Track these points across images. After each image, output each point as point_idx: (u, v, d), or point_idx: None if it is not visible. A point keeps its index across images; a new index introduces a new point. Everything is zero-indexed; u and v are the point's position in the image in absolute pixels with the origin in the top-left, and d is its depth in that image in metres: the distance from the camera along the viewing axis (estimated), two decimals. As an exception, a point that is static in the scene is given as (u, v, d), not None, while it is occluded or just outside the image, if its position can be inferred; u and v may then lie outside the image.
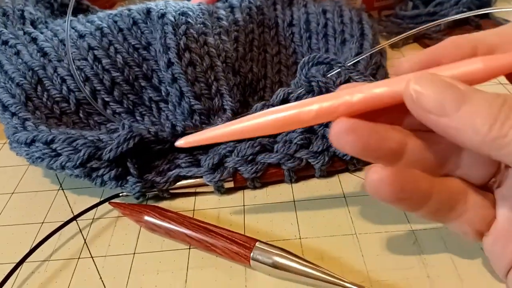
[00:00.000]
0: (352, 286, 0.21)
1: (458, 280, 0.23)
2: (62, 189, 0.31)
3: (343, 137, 0.18)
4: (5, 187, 0.32)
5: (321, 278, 0.22)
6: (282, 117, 0.18)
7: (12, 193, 0.31)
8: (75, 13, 0.40)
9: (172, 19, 0.32)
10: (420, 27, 0.34)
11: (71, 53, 0.33)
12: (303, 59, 0.30)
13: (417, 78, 0.17)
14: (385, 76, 0.33)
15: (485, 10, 0.34)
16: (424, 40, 0.47)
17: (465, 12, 0.47)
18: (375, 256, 0.24)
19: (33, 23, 0.37)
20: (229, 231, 0.25)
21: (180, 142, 0.20)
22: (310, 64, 0.31)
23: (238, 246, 0.24)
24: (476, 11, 0.32)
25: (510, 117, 0.15)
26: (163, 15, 0.33)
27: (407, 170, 0.19)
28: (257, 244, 0.24)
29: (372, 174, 0.18)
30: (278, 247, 0.24)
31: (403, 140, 0.19)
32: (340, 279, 0.22)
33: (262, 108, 0.30)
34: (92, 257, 0.26)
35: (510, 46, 0.19)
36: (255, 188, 0.30)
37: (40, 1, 0.40)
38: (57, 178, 0.32)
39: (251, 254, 0.23)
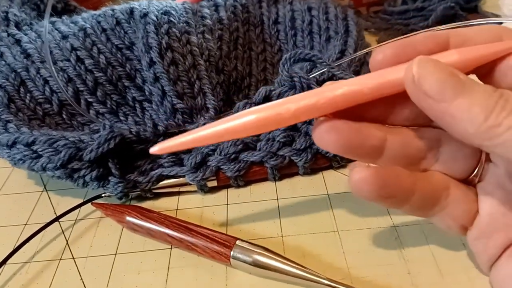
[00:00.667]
0: (331, 283, 0.21)
1: (439, 276, 0.22)
2: (46, 191, 0.31)
3: (325, 135, 0.18)
4: (-11, 189, 0.32)
5: (300, 276, 0.22)
6: (261, 117, 0.18)
7: (-4, 195, 0.31)
8: (62, 14, 0.40)
9: (155, 18, 0.32)
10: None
11: (54, 54, 0.33)
12: (285, 55, 0.30)
13: (421, 61, 0.17)
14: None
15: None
16: (412, 36, 0.47)
17: (453, 7, 0.47)
18: (356, 252, 0.24)
19: (17, 25, 0.37)
20: (210, 230, 0.25)
21: (154, 149, 0.19)
22: (292, 60, 0.31)
23: (218, 245, 0.24)
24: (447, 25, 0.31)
25: (505, 109, 0.16)
26: (145, 15, 0.32)
27: (389, 168, 0.19)
28: (238, 242, 0.24)
29: (355, 174, 0.18)
30: (258, 246, 0.23)
31: (383, 136, 0.19)
32: (319, 276, 0.22)
33: (244, 107, 0.30)
34: (73, 258, 0.26)
35: (482, 38, 0.18)
36: (238, 186, 0.30)
37: (26, 3, 0.40)
38: (41, 179, 0.32)
39: (231, 252, 0.23)
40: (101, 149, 0.27)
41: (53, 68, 0.30)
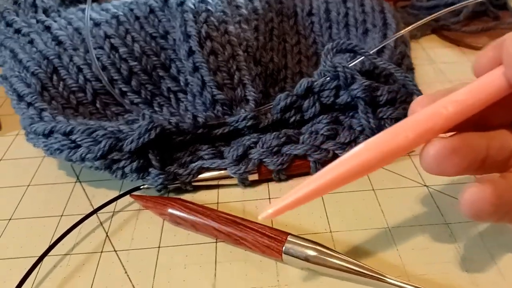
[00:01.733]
0: (393, 281, 0.21)
1: (499, 276, 0.22)
2: (80, 182, 0.30)
3: (445, 161, 0.17)
4: (20, 179, 0.31)
5: (358, 272, 0.21)
6: (381, 151, 0.17)
7: (28, 185, 0.30)
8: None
9: (192, 6, 0.31)
10: (438, 13, 0.34)
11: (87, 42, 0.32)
12: (327, 46, 0.29)
13: None
14: (411, 65, 0.33)
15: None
16: (442, 31, 0.46)
17: (484, 3, 0.46)
18: (410, 250, 0.23)
19: (45, 12, 0.36)
20: (258, 224, 0.24)
21: (268, 212, 0.18)
22: (334, 50, 0.30)
23: (270, 240, 0.23)
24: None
25: None
26: (182, 2, 0.32)
27: (501, 181, 0.18)
28: (289, 237, 0.23)
29: (471, 195, 0.17)
30: (310, 241, 0.23)
31: (487, 144, 0.18)
32: (378, 274, 0.21)
33: (286, 99, 0.29)
34: (115, 251, 0.25)
35: None
36: (280, 180, 0.29)
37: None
38: (73, 170, 0.31)
39: (283, 247, 0.23)
40: (142, 140, 0.26)
41: (94, 55, 0.29)
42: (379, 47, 0.30)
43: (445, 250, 0.23)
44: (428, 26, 0.47)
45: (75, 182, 0.30)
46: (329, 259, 0.22)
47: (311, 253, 0.22)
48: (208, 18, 0.31)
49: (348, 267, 0.21)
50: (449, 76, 0.40)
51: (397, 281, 0.21)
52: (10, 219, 0.28)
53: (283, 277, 0.23)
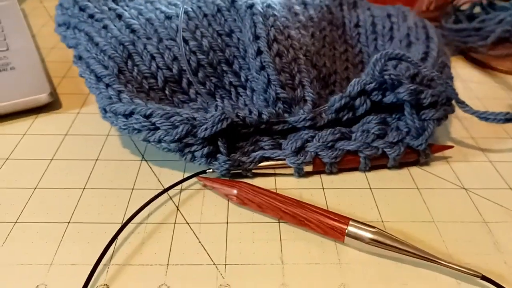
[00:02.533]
0: (449, 264, 0.24)
1: (533, 267, 0.25)
2: (145, 160, 0.33)
3: None
4: (88, 154, 0.33)
5: (416, 255, 0.24)
6: None
7: (96, 159, 0.33)
8: None
9: (261, 10, 0.34)
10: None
11: (159, 33, 0.35)
12: (376, 55, 0.32)
13: None
14: (450, 74, 0.36)
15: None
16: (469, 53, 0.50)
17: (510, 30, 0.49)
18: (454, 241, 0.27)
19: (114, 0, 0.39)
20: (320, 208, 0.27)
21: None
22: (383, 60, 0.32)
23: (334, 222, 0.26)
24: None
25: None
26: (251, 5, 0.34)
27: None
28: (351, 221, 0.26)
29: None
30: (370, 225, 0.26)
31: None
32: (435, 257, 0.24)
33: (340, 100, 0.32)
34: (187, 223, 0.28)
35: None
36: (331, 173, 0.32)
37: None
38: (138, 149, 0.34)
39: (346, 230, 0.25)
40: (215, 128, 0.29)
41: (182, 44, 0.32)
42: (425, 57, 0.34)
43: (485, 244, 0.26)
44: (457, 47, 0.50)
45: (141, 160, 0.33)
46: (387, 241, 0.25)
47: (371, 235, 0.25)
48: (275, 22, 0.34)
49: (405, 249, 0.24)
50: (477, 94, 0.43)
51: (450, 263, 0.24)
52: (84, 189, 0.30)
53: (343, 257, 0.26)
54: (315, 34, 0.38)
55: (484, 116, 0.33)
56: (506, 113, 0.32)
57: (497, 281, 0.23)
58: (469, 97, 0.42)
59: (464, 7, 0.57)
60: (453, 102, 0.33)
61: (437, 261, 0.24)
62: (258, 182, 0.31)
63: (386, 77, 0.31)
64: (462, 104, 0.33)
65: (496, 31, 0.50)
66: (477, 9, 0.57)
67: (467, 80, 0.45)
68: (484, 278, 0.23)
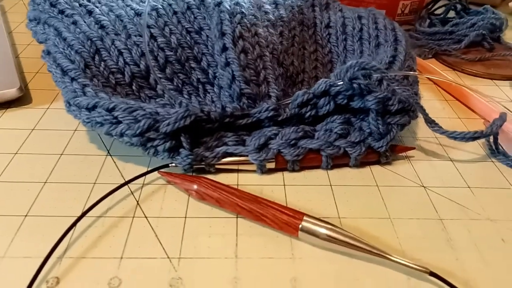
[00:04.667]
0: (399, 260, 0.24)
1: (482, 263, 0.25)
2: (110, 155, 0.33)
3: None
4: (53, 148, 0.33)
5: (368, 251, 0.24)
6: None
7: (61, 154, 0.33)
8: None
9: (228, 7, 0.35)
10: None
11: (128, 29, 0.35)
12: (350, 62, 0.32)
13: None
14: (416, 78, 0.36)
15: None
16: (442, 56, 0.51)
17: (484, 34, 0.50)
18: (409, 238, 0.27)
19: (86, -3, 0.39)
20: (277, 203, 0.27)
21: None
22: (356, 69, 0.33)
23: (288, 217, 0.26)
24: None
25: None
26: (219, 3, 0.35)
27: None
28: (305, 217, 0.26)
29: None
30: (324, 221, 0.26)
31: None
32: (386, 253, 0.24)
33: (303, 95, 0.32)
34: (146, 217, 0.28)
35: None
36: (293, 170, 0.32)
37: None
38: (104, 144, 0.34)
39: (300, 225, 0.26)
40: (178, 124, 0.29)
41: (146, 39, 0.32)
42: (405, 73, 0.34)
43: (438, 241, 0.27)
44: (431, 50, 0.51)
45: (106, 155, 0.33)
46: (340, 237, 0.25)
47: (324, 231, 0.25)
48: (242, 19, 0.34)
49: (357, 245, 0.25)
50: (446, 96, 0.44)
51: (400, 259, 0.24)
52: (45, 182, 0.30)
53: (297, 251, 0.26)
54: (284, 33, 0.38)
55: (453, 136, 0.33)
56: (474, 132, 0.33)
57: (446, 277, 0.24)
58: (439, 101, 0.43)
59: (438, 12, 0.58)
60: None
61: (388, 257, 0.24)
62: (221, 178, 0.31)
63: (355, 85, 0.31)
64: (431, 124, 0.33)
65: (470, 35, 0.51)
66: (452, 14, 0.58)
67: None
68: (432, 274, 0.24)
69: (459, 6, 0.57)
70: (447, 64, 0.50)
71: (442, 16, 0.57)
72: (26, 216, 0.27)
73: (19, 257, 0.25)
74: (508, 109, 0.37)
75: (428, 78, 0.46)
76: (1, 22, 0.51)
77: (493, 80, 0.47)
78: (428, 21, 0.57)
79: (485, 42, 0.52)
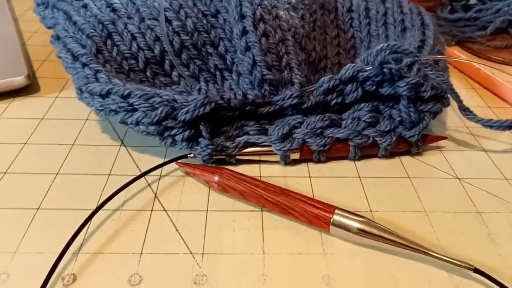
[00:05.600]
0: (441, 256, 0.22)
1: (528, 260, 0.24)
2: (124, 146, 0.31)
3: None
4: (64, 138, 0.32)
5: (404, 245, 0.23)
6: None
7: (72, 144, 0.31)
8: None
9: (247, -12, 0.33)
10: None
11: (141, 12, 0.33)
12: (380, 46, 0.30)
13: None
14: (446, 63, 0.34)
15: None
16: (466, 43, 0.48)
17: (510, 20, 0.48)
18: (447, 232, 0.25)
19: (96, -20, 0.37)
20: (305, 196, 0.26)
21: None
22: (387, 52, 0.31)
23: (319, 210, 0.24)
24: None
25: None
26: (238, -16, 0.33)
27: None
28: (337, 210, 0.24)
29: None
30: (357, 214, 0.24)
31: None
32: (425, 248, 0.22)
33: (329, 81, 0.30)
34: (165, 210, 0.26)
35: None
36: (319, 161, 0.30)
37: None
38: (117, 134, 0.32)
39: (332, 219, 0.24)
40: (197, 112, 0.28)
41: (163, 25, 0.30)
42: (435, 57, 0.32)
43: (478, 235, 0.25)
44: (454, 37, 0.49)
45: (120, 145, 0.31)
46: (374, 231, 0.23)
47: (357, 225, 0.24)
48: (262, 1, 0.32)
49: (393, 239, 0.23)
50: (473, 85, 0.42)
51: (441, 255, 0.22)
52: (57, 174, 0.29)
53: (328, 247, 0.24)
54: (305, 17, 0.36)
55: (488, 124, 0.31)
56: (510, 121, 0.31)
57: (490, 274, 0.22)
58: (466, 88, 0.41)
59: (460, -3, 0.55)
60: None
61: (428, 253, 0.22)
62: (241, 169, 0.30)
63: (386, 70, 0.29)
64: (466, 111, 0.31)
65: (496, 21, 0.48)
66: (473, 0, 0.55)
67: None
68: (476, 271, 0.22)
69: (481, -8, 0.55)
70: (472, 52, 0.48)
71: (464, 2, 0.54)
72: (38, 209, 0.26)
73: (32, 252, 0.23)
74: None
75: (452, 64, 0.44)
76: (6, 9, 0.49)
77: (521, 68, 0.45)
78: (449, 7, 0.55)
79: (511, 29, 0.49)
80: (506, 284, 0.22)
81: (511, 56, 0.46)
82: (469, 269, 0.22)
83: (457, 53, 0.45)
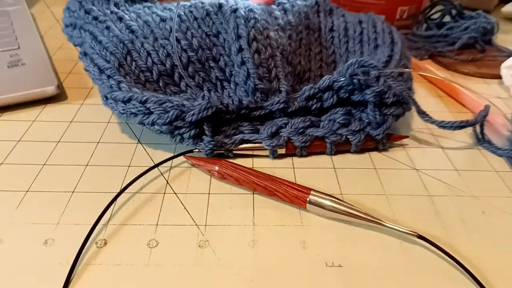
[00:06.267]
0: (392, 225, 0.28)
1: (464, 230, 0.30)
2: (140, 143, 0.38)
3: None
4: (90, 137, 0.38)
5: (365, 218, 0.29)
6: None
7: (98, 142, 0.38)
8: (142, 1, 0.47)
9: (243, 13, 0.39)
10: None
11: (155, 33, 0.40)
12: (350, 61, 0.37)
13: None
14: (411, 76, 0.41)
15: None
16: (437, 57, 0.55)
17: (476, 37, 0.55)
18: (401, 210, 0.31)
19: (116, 5, 0.44)
20: (287, 181, 0.32)
21: None
22: (355, 66, 0.37)
23: (298, 192, 0.31)
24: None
25: None
26: (235, 10, 0.40)
27: None
28: (312, 191, 0.31)
29: None
30: (328, 194, 0.30)
31: None
32: (381, 220, 0.29)
33: (310, 89, 0.37)
34: (175, 193, 0.32)
35: None
36: (301, 156, 0.37)
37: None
38: (134, 134, 0.39)
39: (308, 198, 0.30)
40: (201, 115, 0.34)
41: (175, 43, 0.37)
42: (399, 70, 0.39)
43: (427, 213, 0.31)
44: (427, 51, 0.55)
45: (137, 143, 0.38)
46: (341, 208, 0.29)
47: (329, 203, 0.30)
48: (255, 24, 0.39)
49: (356, 214, 0.29)
50: (439, 93, 0.48)
51: (393, 225, 0.28)
52: (87, 165, 0.35)
53: (305, 220, 0.30)
54: (292, 36, 0.43)
55: (442, 125, 0.37)
56: (460, 121, 0.37)
57: (433, 241, 0.28)
58: (431, 95, 0.47)
59: (435, 16, 0.62)
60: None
61: (384, 224, 0.29)
62: (238, 161, 0.36)
63: (355, 81, 0.36)
64: (423, 115, 0.38)
65: (463, 37, 0.55)
66: (447, 18, 0.62)
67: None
68: (420, 237, 0.28)
69: (454, 11, 0.62)
70: (442, 65, 0.54)
71: (438, 20, 0.61)
72: (73, 192, 0.32)
73: (71, 224, 0.29)
74: (492, 103, 0.41)
75: (422, 76, 0.50)
76: (35, 29, 0.56)
77: (484, 79, 0.51)
78: (425, 25, 0.61)
79: (477, 44, 0.56)
80: (444, 248, 0.28)
81: (476, 69, 0.52)
82: (414, 235, 0.28)
83: (428, 66, 0.51)
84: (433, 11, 0.62)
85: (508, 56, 0.52)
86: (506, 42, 0.60)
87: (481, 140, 0.39)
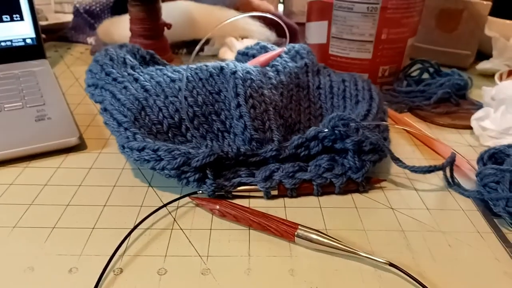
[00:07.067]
0: (367, 255, 0.33)
1: (432, 261, 0.34)
2: (151, 186, 0.43)
3: None
4: (107, 181, 0.44)
5: (346, 250, 0.34)
6: None
7: (114, 186, 0.43)
8: (149, 63, 0.54)
9: (241, 75, 0.46)
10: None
11: (166, 91, 0.46)
12: (332, 115, 0.43)
13: None
14: (387, 127, 0.47)
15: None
16: (416, 110, 0.62)
17: (449, 92, 0.62)
18: (377, 243, 0.36)
19: (132, 68, 0.51)
20: (278, 217, 0.37)
21: None
22: (336, 119, 0.43)
23: (287, 227, 0.36)
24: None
25: None
26: (235, 72, 0.46)
27: None
28: (300, 226, 0.36)
29: None
30: (314, 229, 0.35)
31: None
32: (356, 251, 0.33)
33: (299, 139, 0.43)
34: (181, 229, 0.37)
35: None
36: (292, 196, 0.42)
37: (135, 53, 0.54)
38: (145, 178, 0.44)
39: (296, 232, 0.35)
40: (204, 161, 0.40)
41: (183, 100, 0.43)
42: (377, 123, 0.45)
43: (400, 246, 0.36)
44: (406, 105, 0.62)
45: (148, 186, 0.43)
46: (325, 241, 0.34)
47: (314, 236, 0.35)
48: (252, 84, 0.46)
49: (338, 246, 0.34)
50: (416, 142, 0.54)
51: (368, 255, 0.33)
52: (104, 205, 0.40)
53: (294, 251, 0.35)
54: (284, 93, 0.49)
55: (413, 170, 0.43)
56: (429, 166, 0.43)
57: (404, 269, 0.33)
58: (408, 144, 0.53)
59: (414, 74, 0.69)
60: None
61: (361, 255, 0.33)
62: (236, 201, 0.41)
63: (336, 131, 0.42)
64: (396, 161, 0.43)
65: (438, 93, 0.62)
66: (426, 76, 0.69)
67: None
68: (391, 265, 0.33)
69: (431, 69, 0.69)
70: (420, 117, 0.61)
71: (417, 77, 0.68)
72: (93, 228, 0.37)
73: (92, 255, 0.34)
74: (458, 153, 0.47)
75: (402, 128, 0.56)
76: (58, 86, 0.63)
77: (457, 129, 0.57)
78: (405, 82, 0.69)
79: (452, 99, 0.63)
80: (413, 275, 0.32)
81: (450, 120, 0.59)
82: (386, 263, 0.33)
83: (407, 119, 0.57)
84: (412, 69, 0.70)
85: (479, 109, 0.59)
86: (480, 96, 0.66)
87: (451, 183, 0.44)
